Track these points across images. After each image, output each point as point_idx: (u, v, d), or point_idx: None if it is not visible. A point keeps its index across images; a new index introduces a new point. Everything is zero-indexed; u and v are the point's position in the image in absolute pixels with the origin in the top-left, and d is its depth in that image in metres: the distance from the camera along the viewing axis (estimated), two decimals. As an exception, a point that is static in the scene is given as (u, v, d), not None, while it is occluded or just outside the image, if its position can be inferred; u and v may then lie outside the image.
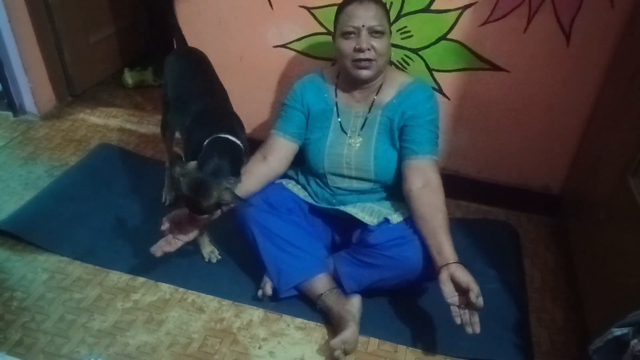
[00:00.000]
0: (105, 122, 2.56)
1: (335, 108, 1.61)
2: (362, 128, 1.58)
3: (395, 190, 1.61)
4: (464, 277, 1.31)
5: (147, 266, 1.69)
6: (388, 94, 1.57)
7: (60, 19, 2.54)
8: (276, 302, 1.59)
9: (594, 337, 1.07)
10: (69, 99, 2.74)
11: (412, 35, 1.80)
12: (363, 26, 1.44)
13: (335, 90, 1.62)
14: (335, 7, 1.80)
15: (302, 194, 1.67)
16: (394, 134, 1.56)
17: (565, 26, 1.67)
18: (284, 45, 1.96)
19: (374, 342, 1.50)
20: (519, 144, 1.93)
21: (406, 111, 1.54)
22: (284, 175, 1.70)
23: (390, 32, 1.53)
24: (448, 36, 1.77)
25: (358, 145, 1.58)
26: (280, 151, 1.62)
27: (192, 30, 2.03)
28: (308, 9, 1.86)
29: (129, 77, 2.91)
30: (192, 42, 2.05)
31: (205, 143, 1.42)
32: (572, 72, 1.74)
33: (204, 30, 2.02)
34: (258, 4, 1.90)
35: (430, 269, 1.48)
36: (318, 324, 1.54)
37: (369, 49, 1.45)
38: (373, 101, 1.57)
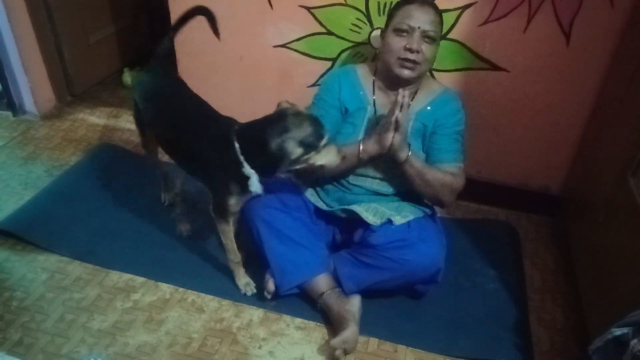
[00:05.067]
0: (105, 122, 2.56)
1: (372, 107, 1.58)
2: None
3: (409, 196, 1.62)
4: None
5: (147, 266, 1.69)
6: (422, 101, 1.56)
7: (60, 19, 2.54)
8: (276, 301, 1.59)
9: (594, 337, 1.07)
10: (68, 98, 2.74)
11: (412, 35, 1.80)
12: (419, 28, 1.43)
13: (373, 88, 1.60)
14: (335, 7, 1.82)
15: (308, 193, 1.66)
16: (426, 140, 1.56)
17: (565, 26, 1.67)
18: (284, 45, 1.96)
19: (374, 342, 1.50)
20: (519, 144, 1.93)
21: (439, 119, 1.54)
22: None
23: (439, 42, 1.51)
24: (448, 36, 1.77)
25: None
26: None
27: (192, 30, 2.02)
28: (308, 8, 1.86)
29: (128, 77, 2.91)
30: (192, 42, 2.06)
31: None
32: (572, 72, 1.74)
33: (203, 30, 2.02)
34: (258, 4, 1.90)
35: (431, 273, 1.48)
36: (318, 324, 1.54)
37: (417, 52, 1.44)
38: (408, 107, 1.54)
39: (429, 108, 1.56)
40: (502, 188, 2.03)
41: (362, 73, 1.61)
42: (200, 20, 2.00)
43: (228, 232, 1.54)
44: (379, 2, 1.77)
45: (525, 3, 1.66)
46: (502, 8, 1.69)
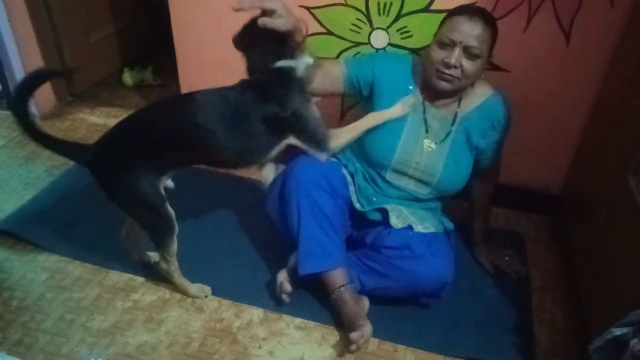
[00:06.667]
0: (105, 122, 2.56)
1: (421, 104, 1.54)
2: (442, 137, 1.55)
3: (436, 203, 1.64)
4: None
5: (147, 266, 1.69)
6: (469, 105, 1.53)
7: (60, 19, 2.54)
8: (276, 301, 1.58)
9: (594, 337, 1.07)
10: (68, 98, 2.74)
11: (412, 35, 1.80)
12: (460, 42, 1.37)
13: (422, 86, 1.55)
14: (335, 7, 1.82)
15: (350, 186, 1.63)
16: (469, 144, 1.55)
17: (565, 26, 1.67)
18: (284, 45, 1.96)
19: (373, 342, 1.50)
20: (519, 144, 1.93)
21: (486, 130, 1.54)
22: (341, 161, 1.67)
23: (488, 56, 1.45)
24: (448, 36, 1.77)
25: (431, 149, 1.55)
26: (329, 74, 1.53)
27: (192, 30, 2.03)
28: (308, 8, 1.86)
29: (128, 77, 2.91)
30: (191, 42, 2.06)
31: None
32: (572, 72, 1.74)
33: (203, 30, 2.02)
34: (258, 4, 1.90)
35: (436, 287, 1.48)
36: (318, 323, 1.54)
37: (455, 67, 1.39)
38: (456, 114, 1.53)
39: (474, 113, 1.53)
40: (502, 188, 2.02)
41: (416, 68, 1.56)
42: (200, 20, 2.00)
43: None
44: (379, 2, 1.77)
45: (525, 3, 1.66)
46: (502, 8, 1.69)
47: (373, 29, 1.83)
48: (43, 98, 2.56)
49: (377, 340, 1.50)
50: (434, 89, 1.48)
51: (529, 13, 1.68)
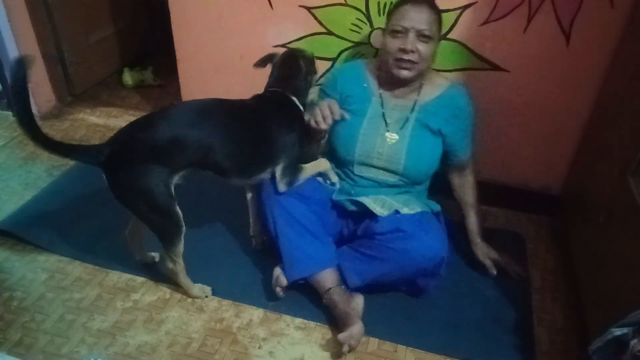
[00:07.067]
0: (105, 122, 2.56)
1: (379, 99, 1.61)
2: (401, 125, 1.60)
3: (415, 188, 1.66)
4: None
5: (147, 266, 1.69)
6: (428, 95, 1.60)
7: (60, 19, 2.54)
8: (276, 301, 1.59)
9: (594, 337, 1.07)
10: (68, 98, 2.74)
11: (412, 35, 1.80)
12: (413, 28, 1.45)
13: (377, 82, 1.63)
14: (335, 7, 1.82)
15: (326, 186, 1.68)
16: (430, 129, 1.59)
17: (565, 26, 1.67)
18: (284, 45, 1.96)
19: (373, 342, 1.50)
20: (519, 144, 1.93)
21: (449, 119, 1.58)
22: None
23: (439, 39, 1.55)
24: (448, 36, 1.77)
25: (394, 141, 1.59)
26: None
27: (192, 30, 2.03)
28: (308, 8, 1.86)
29: (128, 77, 2.91)
30: (191, 42, 2.06)
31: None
32: (572, 72, 1.74)
33: (203, 30, 2.02)
34: (258, 4, 1.90)
35: (434, 264, 1.49)
36: (318, 324, 1.54)
37: (412, 51, 1.47)
38: (415, 101, 1.59)
39: (434, 103, 1.58)
40: (502, 188, 2.03)
41: (369, 67, 1.66)
42: (200, 20, 2.00)
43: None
44: (379, 2, 1.77)
45: (525, 3, 1.66)
46: (502, 8, 1.69)
47: (373, 29, 1.83)
48: (43, 98, 2.56)
49: (377, 340, 1.50)
50: (395, 79, 1.54)
51: (529, 13, 1.68)
